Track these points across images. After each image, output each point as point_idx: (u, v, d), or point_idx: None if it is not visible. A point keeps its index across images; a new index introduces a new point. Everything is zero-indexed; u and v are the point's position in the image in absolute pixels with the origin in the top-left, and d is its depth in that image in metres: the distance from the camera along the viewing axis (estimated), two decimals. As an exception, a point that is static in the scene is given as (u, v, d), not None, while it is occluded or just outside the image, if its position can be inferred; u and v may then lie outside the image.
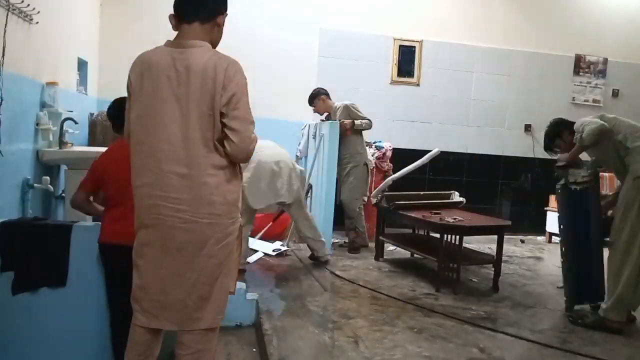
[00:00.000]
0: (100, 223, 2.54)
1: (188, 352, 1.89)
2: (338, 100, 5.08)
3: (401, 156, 5.48)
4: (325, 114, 5.09)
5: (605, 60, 6.61)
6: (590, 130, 3.10)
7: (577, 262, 3.34)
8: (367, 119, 4.92)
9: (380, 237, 4.59)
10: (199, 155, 1.77)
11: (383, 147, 5.50)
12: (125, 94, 1.93)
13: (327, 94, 5.07)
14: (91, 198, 2.51)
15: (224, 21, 1.92)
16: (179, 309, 1.86)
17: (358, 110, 4.93)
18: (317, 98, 5.01)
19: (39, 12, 3.09)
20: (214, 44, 1.89)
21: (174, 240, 1.82)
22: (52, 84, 3.48)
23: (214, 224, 1.83)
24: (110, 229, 2.40)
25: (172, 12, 1.87)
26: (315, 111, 5.13)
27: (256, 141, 1.87)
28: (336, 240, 5.03)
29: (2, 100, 2.69)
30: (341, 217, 4.91)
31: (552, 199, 5.98)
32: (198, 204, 1.80)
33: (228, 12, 1.95)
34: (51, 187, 3.34)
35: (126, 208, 2.37)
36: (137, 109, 1.83)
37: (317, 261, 4.33)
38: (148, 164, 1.81)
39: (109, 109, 2.55)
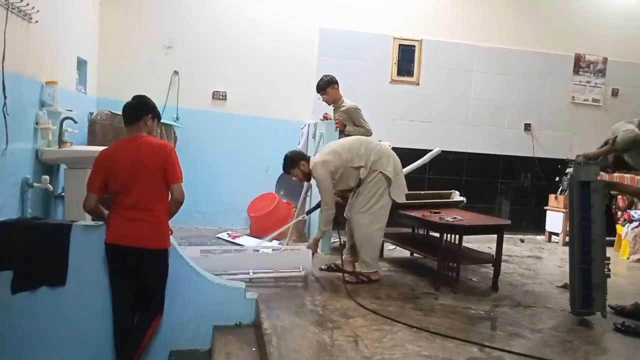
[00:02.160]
0: (102, 223, 2.55)
1: None
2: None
3: (401, 156, 5.45)
4: (332, 105, 4.83)
5: (605, 60, 6.61)
6: (624, 136, 3.31)
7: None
8: (367, 128, 4.69)
9: (380, 237, 4.58)
10: None
11: (383, 147, 5.48)
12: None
13: (338, 84, 4.75)
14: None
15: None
16: None
17: (362, 117, 4.71)
18: (330, 86, 4.68)
19: (38, 11, 3.08)
20: None
21: None
22: (51, 83, 3.47)
23: None
24: (115, 230, 2.43)
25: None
26: (324, 100, 4.80)
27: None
28: (335, 241, 5.02)
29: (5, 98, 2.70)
30: (340, 217, 4.89)
31: (552, 198, 5.98)
32: None
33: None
34: (50, 187, 3.33)
35: (134, 208, 2.40)
36: None
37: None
38: None
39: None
